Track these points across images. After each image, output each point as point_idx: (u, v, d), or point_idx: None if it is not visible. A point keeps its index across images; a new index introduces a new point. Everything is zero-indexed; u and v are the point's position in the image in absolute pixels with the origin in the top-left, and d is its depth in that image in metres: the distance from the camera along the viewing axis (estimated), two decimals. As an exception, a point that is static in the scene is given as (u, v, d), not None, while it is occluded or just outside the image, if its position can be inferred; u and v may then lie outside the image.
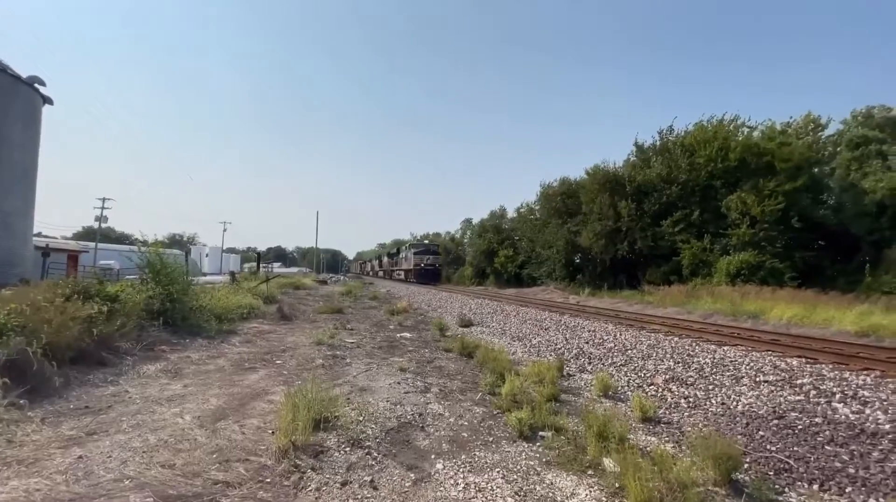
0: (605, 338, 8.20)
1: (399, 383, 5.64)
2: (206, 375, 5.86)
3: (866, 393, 4.32)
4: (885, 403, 4.06)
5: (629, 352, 7.10)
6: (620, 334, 8.32)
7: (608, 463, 3.31)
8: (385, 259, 61.65)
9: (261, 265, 35.78)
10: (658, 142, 26.47)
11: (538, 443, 3.83)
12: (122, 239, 61.70)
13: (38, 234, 30.96)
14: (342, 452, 3.49)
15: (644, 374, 5.99)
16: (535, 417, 4.13)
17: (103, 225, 44.87)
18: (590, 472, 3.29)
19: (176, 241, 77.73)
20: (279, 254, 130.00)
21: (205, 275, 38.08)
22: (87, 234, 56.69)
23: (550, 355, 7.51)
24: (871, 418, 3.86)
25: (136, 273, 9.65)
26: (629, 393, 5.41)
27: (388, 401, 4.84)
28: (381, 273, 64.01)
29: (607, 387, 5.44)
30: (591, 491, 3.01)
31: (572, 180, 31.09)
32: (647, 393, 5.35)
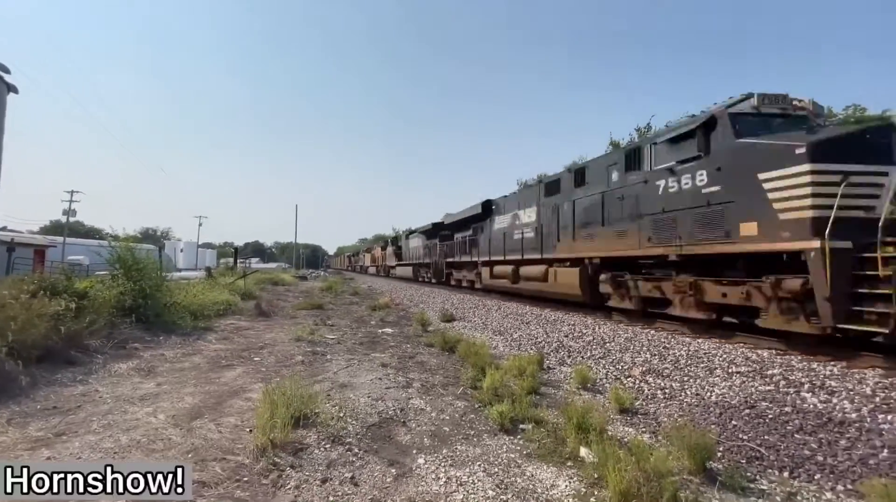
0: (584, 331, 8.32)
1: (380, 379, 5.60)
2: (180, 373, 5.71)
3: (833, 383, 4.48)
4: (850, 393, 4.22)
5: (607, 344, 7.21)
6: (599, 327, 8.45)
7: (587, 454, 3.36)
8: (414, 243, 28.50)
9: (238, 260, 35.10)
10: (637, 139, 26.92)
11: (519, 436, 3.86)
12: (92, 233, 59.56)
13: (3, 228, 29.64)
14: (322, 449, 3.45)
15: (622, 366, 6.10)
16: (516, 410, 4.15)
17: (72, 219, 43.26)
18: (569, 464, 3.33)
19: (149, 236, 75.53)
20: (257, 250, 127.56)
21: (179, 270, 37.18)
22: (54, 229, 54.54)
23: (531, 349, 7.58)
24: (838, 407, 4.01)
25: (107, 269, 9.33)
26: (607, 384, 5.50)
27: (369, 397, 4.80)
28: (395, 270, 34.28)
29: (586, 380, 5.52)
30: (570, 483, 3.05)
31: (550, 177, 31.37)
32: (624, 384, 5.45)
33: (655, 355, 6.25)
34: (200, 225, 68.47)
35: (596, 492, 2.88)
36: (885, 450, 3.29)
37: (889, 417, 3.68)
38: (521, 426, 4.03)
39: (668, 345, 6.57)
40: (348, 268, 70.96)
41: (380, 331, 9.72)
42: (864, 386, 4.34)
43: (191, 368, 6.00)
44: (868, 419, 3.74)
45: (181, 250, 59.55)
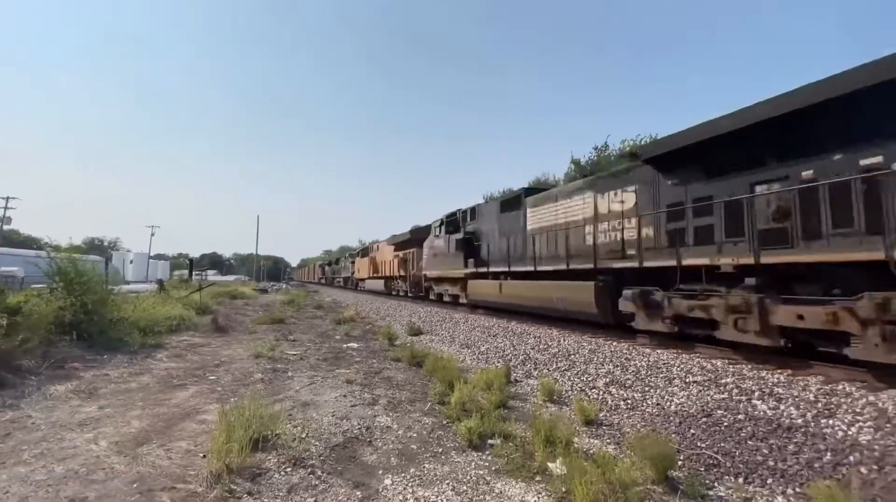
0: (550, 343, 8.43)
1: (345, 396, 5.43)
2: (126, 394, 5.32)
3: (780, 391, 4.73)
4: (796, 399, 4.47)
5: (572, 356, 7.33)
6: (564, 339, 8.60)
7: (555, 468, 3.36)
8: (542, 218, 10.54)
9: (193, 272, 33.49)
10: (595, 158, 28.01)
11: (487, 452, 3.82)
12: (29, 243, 55.23)
13: (-78, 237, 26.99)
14: (283, 473, 3.28)
15: (586, 378, 6.21)
16: (484, 425, 4.12)
17: (6, 227, 40.08)
18: (538, 478, 3.32)
19: (95, 247, 70.89)
20: (215, 261, 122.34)
21: (128, 283, 35.03)
22: (-15, 238, 50.22)
23: (498, 362, 7.60)
24: (785, 413, 4.23)
25: (45, 281, 8.65)
26: (572, 396, 5.57)
27: (333, 416, 4.64)
28: (474, 290, 13.88)
29: (552, 392, 5.57)
30: (539, 497, 3.03)
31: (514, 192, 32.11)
32: (589, 396, 5.53)
33: (618, 366, 6.40)
34: (153, 235, 65.21)
35: (564, 507, 2.88)
36: (829, 453, 3.48)
37: (831, 421, 3.92)
38: (490, 441, 3.99)
39: (629, 357, 6.76)
40: (321, 281, 60.88)
41: (345, 345, 9.48)
42: (808, 392, 4.61)
43: (138, 389, 5.60)
44: (812, 424, 3.96)
45: (131, 262, 56.19)
